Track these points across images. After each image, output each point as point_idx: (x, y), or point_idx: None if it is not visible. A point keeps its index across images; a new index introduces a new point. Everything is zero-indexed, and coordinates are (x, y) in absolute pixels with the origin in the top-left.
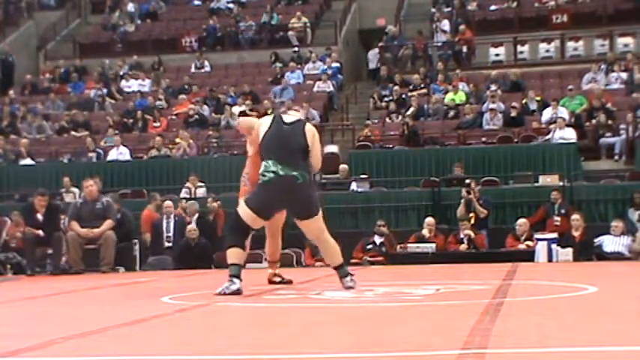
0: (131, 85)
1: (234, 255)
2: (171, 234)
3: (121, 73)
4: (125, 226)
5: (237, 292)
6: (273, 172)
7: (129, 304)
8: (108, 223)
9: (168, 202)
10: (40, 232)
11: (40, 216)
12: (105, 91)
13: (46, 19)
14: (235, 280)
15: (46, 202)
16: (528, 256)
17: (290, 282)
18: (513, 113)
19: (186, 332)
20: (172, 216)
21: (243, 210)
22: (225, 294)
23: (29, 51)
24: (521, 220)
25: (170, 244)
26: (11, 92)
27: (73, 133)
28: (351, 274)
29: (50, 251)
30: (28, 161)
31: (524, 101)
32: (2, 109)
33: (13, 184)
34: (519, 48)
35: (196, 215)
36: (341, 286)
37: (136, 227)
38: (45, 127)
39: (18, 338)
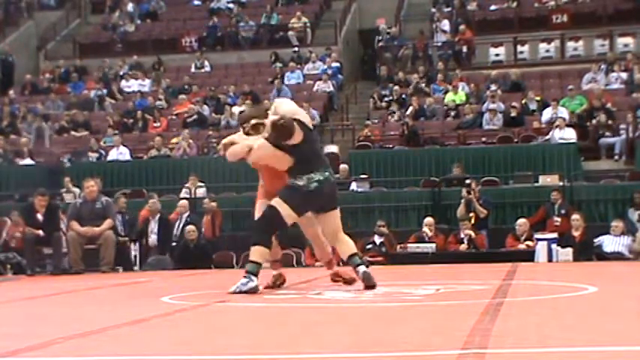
0: (131, 85)
1: (258, 253)
2: (179, 232)
3: (121, 73)
4: (135, 226)
5: (254, 290)
6: (317, 181)
7: (129, 304)
8: (108, 222)
9: (183, 202)
10: (40, 232)
11: (40, 216)
12: (105, 91)
13: (46, 19)
14: (253, 277)
15: (46, 202)
16: (528, 256)
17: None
18: (513, 113)
19: (187, 332)
20: (184, 216)
21: (282, 206)
22: (241, 292)
23: (29, 51)
24: (521, 220)
25: (175, 244)
26: (11, 92)
27: (73, 133)
28: (366, 264)
29: (50, 251)
30: (28, 161)
31: (524, 101)
32: (2, 109)
33: (12, 184)
34: (519, 48)
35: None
36: (356, 277)
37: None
38: (44, 128)
39: (18, 338)
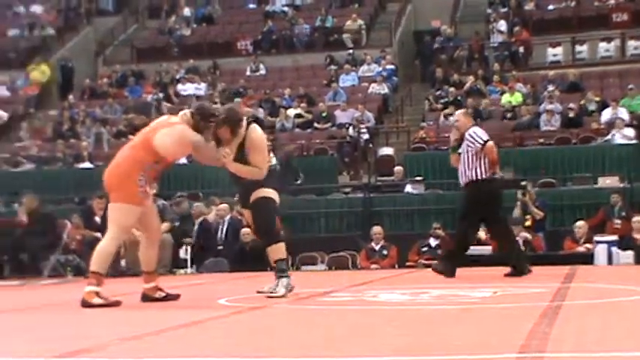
0: (187, 88)
1: (280, 250)
2: (223, 236)
3: (178, 76)
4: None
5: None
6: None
7: (185, 305)
8: (165, 225)
9: (223, 205)
10: (99, 235)
11: (98, 219)
12: (161, 95)
13: (104, 25)
14: (288, 275)
15: (104, 206)
16: (587, 258)
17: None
18: (571, 114)
19: (242, 334)
20: (226, 219)
21: (274, 193)
22: (291, 291)
23: (88, 56)
24: (580, 223)
25: (221, 247)
26: (71, 97)
27: (130, 137)
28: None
29: None
30: (87, 164)
31: (582, 102)
32: (62, 114)
33: (72, 187)
34: (578, 48)
35: (201, 218)
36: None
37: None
38: (102, 133)
39: (76, 339)
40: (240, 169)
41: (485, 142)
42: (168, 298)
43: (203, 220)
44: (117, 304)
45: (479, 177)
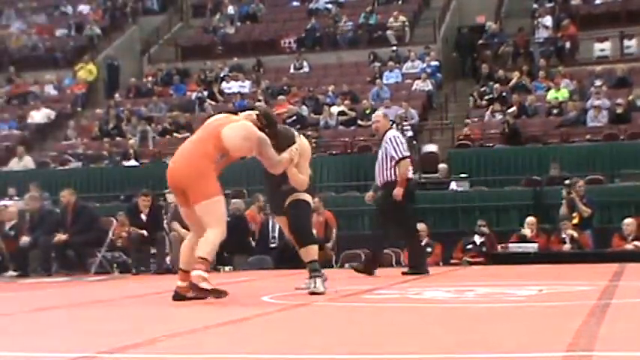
0: (231, 86)
1: (313, 251)
2: (276, 234)
3: (222, 74)
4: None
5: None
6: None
7: (231, 303)
8: None
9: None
10: (145, 232)
11: (144, 216)
12: (206, 92)
13: (149, 24)
14: (321, 274)
15: (150, 203)
16: (636, 256)
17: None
18: (619, 110)
19: (287, 331)
20: None
21: (309, 197)
22: (324, 291)
23: (134, 55)
24: (629, 220)
25: (275, 245)
26: (116, 95)
27: (175, 134)
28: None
29: (154, 251)
30: (133, 162)
31: (630, 97)
32: (108, 112)
33: (118, 185)
34: (626, 42)
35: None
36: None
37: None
38: (148, 131)
39: (124, 335)
40: (294, 174)
41: (402, 158)
42: (198, 298)
43: (236, 216)
44: (224, 293)
45: (395, 178)
